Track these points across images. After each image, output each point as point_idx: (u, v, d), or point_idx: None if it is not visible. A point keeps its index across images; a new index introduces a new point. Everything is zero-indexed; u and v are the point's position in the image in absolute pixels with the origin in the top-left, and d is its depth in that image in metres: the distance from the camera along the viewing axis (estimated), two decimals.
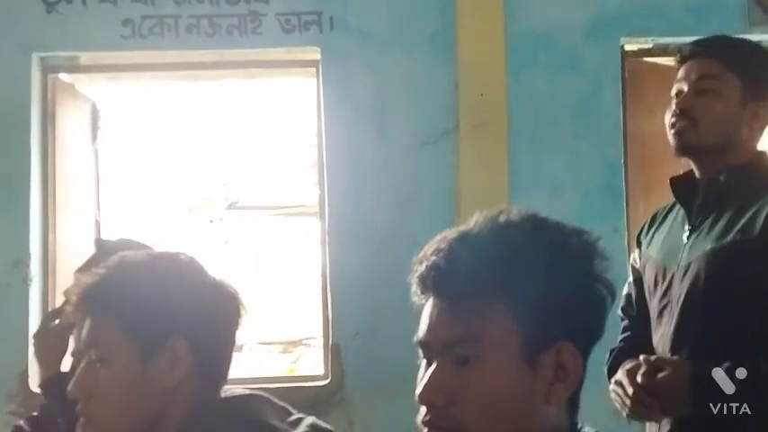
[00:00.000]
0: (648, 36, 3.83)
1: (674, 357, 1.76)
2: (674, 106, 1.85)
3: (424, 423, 0.93)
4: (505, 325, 0.92)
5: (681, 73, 1.87)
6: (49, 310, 3.67)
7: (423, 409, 0.93)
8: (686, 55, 1.87)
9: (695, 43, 1.89)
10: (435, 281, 0.94)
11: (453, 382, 0.92)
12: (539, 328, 0.93)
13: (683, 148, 1.84)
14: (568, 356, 0.94)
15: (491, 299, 0.93)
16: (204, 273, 1.31)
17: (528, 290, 0.92)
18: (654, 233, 1.95)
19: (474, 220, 0.98)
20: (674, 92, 1.88)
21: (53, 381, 2.05)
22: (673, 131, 1.84)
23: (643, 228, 2.02)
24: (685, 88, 1.84)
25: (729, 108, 1.80)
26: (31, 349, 2.18)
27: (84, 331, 1.27)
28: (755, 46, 1.94)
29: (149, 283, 1.26)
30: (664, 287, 1.82)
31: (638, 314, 1.94)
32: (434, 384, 0.93)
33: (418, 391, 0.93)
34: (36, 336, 2.13)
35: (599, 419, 1.10)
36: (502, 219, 0.97)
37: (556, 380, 0.94)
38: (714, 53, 1.84)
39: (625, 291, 1.98)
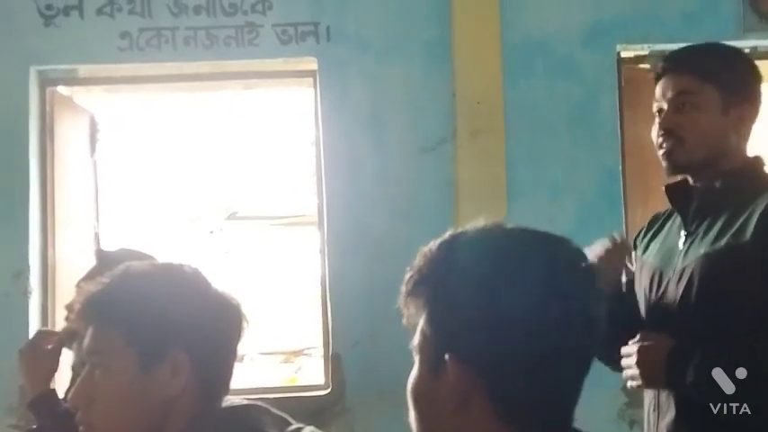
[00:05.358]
0: (645, 43, 3.84)
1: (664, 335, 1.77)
2: (657, 125, 1.85)
3: None
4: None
5: (658, 91, 1.86)
6: (47, 323, 3.68)
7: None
8: (659, 72, 1.87)
9: (666, 59, 1.88)
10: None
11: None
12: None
13: (675, 168, 1.84)
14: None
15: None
16: (207, 284, 1.32)
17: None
18: (650, 239, 1.95)
19: None
20: (654, 109, 1.88)
21: (42, 398, 2.05)
22: (661, 152, 1.84)
23: (641, 231, 2.03)
24: (665, 106, 1.84)
25: (712, 120, 1.80)
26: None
27: (86, 340, 1.28)
28: (726, 50, 1.92)
29: (152, 293, 1.27)
30: (659, 293, 1.83)
31: (621, 310, 1.92)
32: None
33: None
34: (22, 353, 2.12)
35: (600, 425, 1.10)
36: None
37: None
38: (687, 68, 1.83)
39: None
